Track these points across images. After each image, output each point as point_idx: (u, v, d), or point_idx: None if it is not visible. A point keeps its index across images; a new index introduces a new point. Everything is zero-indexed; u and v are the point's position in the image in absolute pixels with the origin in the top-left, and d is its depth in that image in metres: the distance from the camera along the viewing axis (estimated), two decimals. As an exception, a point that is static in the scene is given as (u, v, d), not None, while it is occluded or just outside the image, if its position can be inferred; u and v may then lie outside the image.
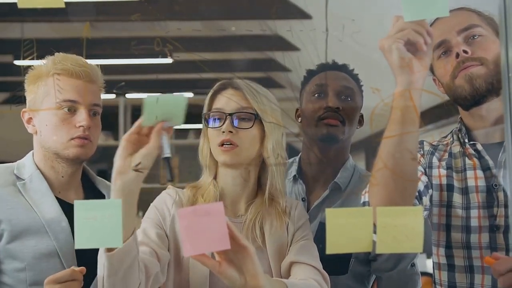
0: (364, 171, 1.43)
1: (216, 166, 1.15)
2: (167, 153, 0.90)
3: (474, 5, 1.14)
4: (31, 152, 1.24)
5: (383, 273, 1.34)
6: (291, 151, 1.59)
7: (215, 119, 1.13)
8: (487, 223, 1.08)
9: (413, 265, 1.35)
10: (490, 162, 1.10)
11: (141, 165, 0.87)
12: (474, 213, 1.10)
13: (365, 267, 1.35)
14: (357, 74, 1.44)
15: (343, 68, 1.42)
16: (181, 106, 0.90)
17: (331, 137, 1.34)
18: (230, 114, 1.10)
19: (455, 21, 1.10)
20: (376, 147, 0.96)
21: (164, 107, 0.89)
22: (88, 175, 1.31)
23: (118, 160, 0.88)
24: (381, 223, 0.77)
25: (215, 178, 1.15)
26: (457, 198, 1.13)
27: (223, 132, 1.09)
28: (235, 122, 1.10)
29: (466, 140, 1.16)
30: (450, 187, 1.15)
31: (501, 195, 1.07)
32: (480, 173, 1.10)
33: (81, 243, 0.78)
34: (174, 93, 0.90)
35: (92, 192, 1.28)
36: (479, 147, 1.12)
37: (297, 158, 1.47)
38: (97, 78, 1.22)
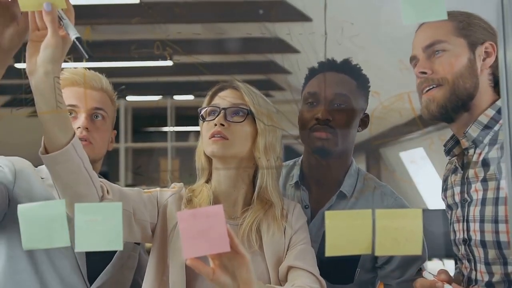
0: (365, 174, 1.40)
1: (209, 168, 1.16)
2: (73, 34, 0.85)
3: (472, 6, 1.13)
4: None
5: (392, 281, 1.32)
6: (291, 153, 1.59)
7: (209, 113, 1.14)
8: (462, 236, 1.10)
9: (420, 269, 1.33)
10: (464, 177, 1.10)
11: (47, 60, 0.84)
12: (456, 227, 1.12)
13: (370, 274, 1.34)
14: (361, 70, 1.36)
15: (343, 67, 1.35)
16: None
17: (321, 150, 1.30)
18: (224, 109, 1.11)
19: (423, 36, 1.09)
20: (375, 150, 0.97)
21: None
22: None
23: (26, 62, 0.87)
24: (381, 226, 0.77)
25: (208, 181, 1.16)
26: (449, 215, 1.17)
27: (215, 124, 1.10)
28: (228, 116, 1.11)
29: (449, 157, 1.17)
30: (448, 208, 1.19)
31: (464, 210, 1.08)
32: (457, 189, 1.11)
33: (81, 246, 0.78)
34: None
35: None
36: (458, 163, 1.12)
37: (298, 161, 1.43)
38: (100, 85, 1.27)
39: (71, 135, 0.90)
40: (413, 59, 1.12)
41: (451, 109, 1.06)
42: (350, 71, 1.35)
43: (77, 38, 0.85)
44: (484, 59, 1.06)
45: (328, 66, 1.36)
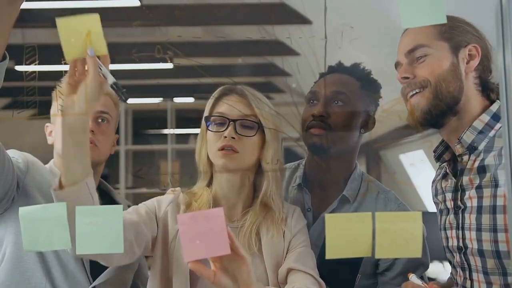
0: (367, 177, 1.38)
1: (211, 171, 1.16)
2: (110, 80, 0.90)
3: (470, 7, 1.12)
4: (52, 160, 1.31)
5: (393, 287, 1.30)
6: (291, 155, 1.58)
7: (217, 123, 1.13)
8: (456, 244, 1.08)
9: (421, 278, 1.32)
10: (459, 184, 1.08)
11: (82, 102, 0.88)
12: (449, 233, 1.11)
13: (371, 281, 1.33)
14: (369, 74, 1.35)
15: (349, 69, 1.35)
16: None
17: (316, 147, 1.28)
18: (234, 121, 1.10)
19: (406, 41, 1.08)
20: (375, 152, 0.97)
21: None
22: (103, 188, 1.36)
23: (64, 101, 0.90)
24: (381, 228, 0.78)
25: (209, 183, 1.16)
26: (440, 221, 1.15)
27: (225, 137, 1.09)
28: (238, 129, 1.10)
29: (439, 163, 1.15)
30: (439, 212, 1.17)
31: (458, 217, 1.06)
32: (449, 195, 1.10)
33: (82, 249, 0.79)
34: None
35: (111, 203, 1.31)
36: (448, 169, 1.11)
37: (302, 163, 1.41)
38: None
39: (87, 173, 0.91)
40: (397, 65, 1.10)
41: (436, 114, 1.04)
42: (355, 73, 1.35)
43: (114, 83, 0.90)
44: (468, 62, 1.04)
45: (335, 68, 1.36)
